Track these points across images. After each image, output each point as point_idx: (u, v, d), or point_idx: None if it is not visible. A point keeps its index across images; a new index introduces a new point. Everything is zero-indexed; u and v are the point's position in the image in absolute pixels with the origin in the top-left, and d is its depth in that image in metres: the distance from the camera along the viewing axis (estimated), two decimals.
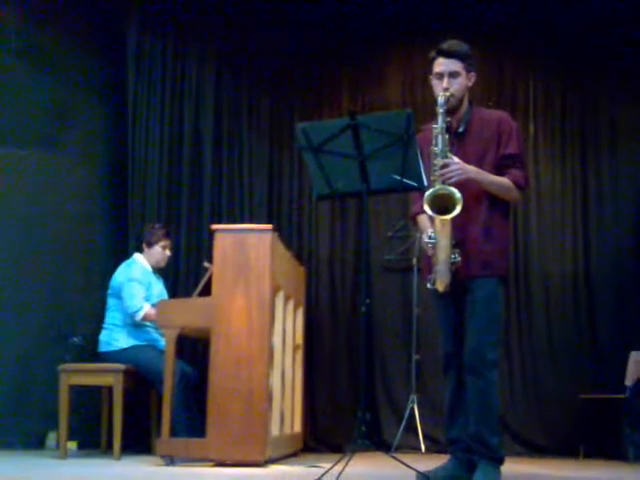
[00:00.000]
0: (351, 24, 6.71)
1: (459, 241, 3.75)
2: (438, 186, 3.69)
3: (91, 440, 5.76)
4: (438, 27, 6.36)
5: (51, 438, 5.85)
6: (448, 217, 3.65)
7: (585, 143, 6.67)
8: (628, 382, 5.69)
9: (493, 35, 6.66)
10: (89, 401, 5.83)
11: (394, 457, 3.87)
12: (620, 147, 6.62)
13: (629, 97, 6.63)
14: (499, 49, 6.75)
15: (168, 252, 5.81)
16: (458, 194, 3.63)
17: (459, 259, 3.72)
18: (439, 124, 3.74)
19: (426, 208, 3.67)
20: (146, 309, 5.45)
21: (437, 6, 6.59)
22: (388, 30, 6.73)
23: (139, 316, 5.44)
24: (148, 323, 5.50)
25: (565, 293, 6.51)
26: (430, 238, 3.77)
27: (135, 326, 5.50)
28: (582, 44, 6.59)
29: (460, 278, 3.77)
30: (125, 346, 5.47)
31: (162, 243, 5.75)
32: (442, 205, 3.66)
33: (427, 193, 3.69)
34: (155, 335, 5.54)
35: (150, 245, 5.73)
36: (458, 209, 3.63)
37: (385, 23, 6.70)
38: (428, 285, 3.85)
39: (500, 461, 3.79)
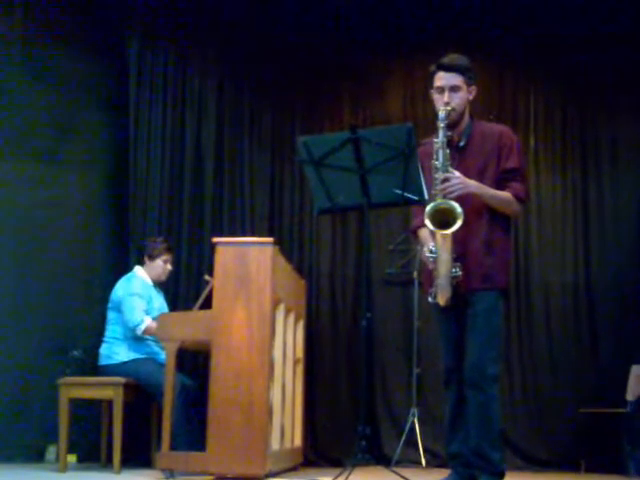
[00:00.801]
0: (352, 38, 6.72)
1: (460, 255, 3.76)
2: (439, 200, 3.70)
3: (91, 453, 5.75)
4: (439, 41, 6.37)
5: (51, 451, 5.83)
6: (449, 231, 3.65)
7: (585, 155, 6.66)
8: (629, 397, 5.66)
9: (493, 48, 6.67)
10: (89, 414, 5.81)
11: (394, 471, 3.87)
12: (620, 159, 6.61)
13: (629, 109, 6.63)
14: (499, 62, 6.76)
15: (169, 266, 5.81)
16: (459, 209, 3.64)
17: (460, 273, 3.73)
18: (440, 138, 3.75)
19: (427, 222, 3.68)
20: (147, 322, 5.44)
21: (438, 20, 6.61)
22: (389, 44, 6.74)
23: (140, 330, 5.43)
24: (149, 336, 5.50)
25: (566, 305, 6.49)
26: (431, 252, 3.77)
27: (136, 339, 5.50)
28: (582, 57, 6.60)
29: (461, 292, 3.78)
30: (125, 359, 5.46)
31: (164, 257, 5.75)
32: (443, 219, 3.67)
33: (428, 207, 3.69)
34: (155, 348, 5.53)
35: (152, 258, 5.73)
36: (459, 223, 3.63)
37: (386, 37, 6.72)
38: (429, 299, 3.85)
39: (501, 475, 3.78)
